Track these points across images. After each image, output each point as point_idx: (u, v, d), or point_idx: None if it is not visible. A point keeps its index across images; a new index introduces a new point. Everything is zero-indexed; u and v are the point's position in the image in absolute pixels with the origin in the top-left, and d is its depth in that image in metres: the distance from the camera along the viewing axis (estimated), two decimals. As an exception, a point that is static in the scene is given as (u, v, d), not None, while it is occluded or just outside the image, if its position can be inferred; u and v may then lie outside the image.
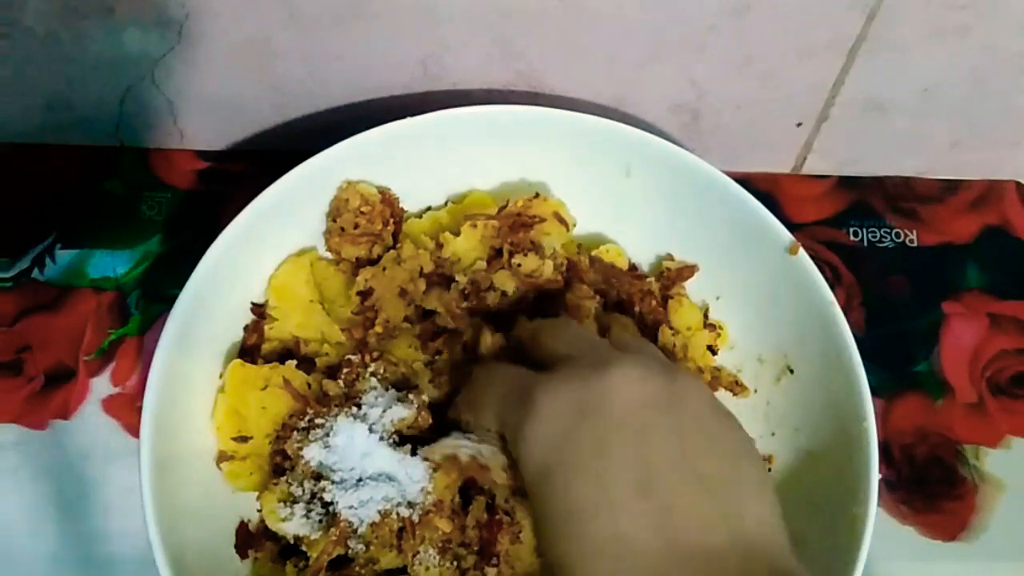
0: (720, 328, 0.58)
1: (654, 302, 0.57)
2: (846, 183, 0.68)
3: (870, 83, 0.60)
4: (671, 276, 0.58)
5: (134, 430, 0.46)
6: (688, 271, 0.58)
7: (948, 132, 0.64)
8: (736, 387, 0.56)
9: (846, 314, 0.51)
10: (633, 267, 0.59)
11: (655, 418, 0.40)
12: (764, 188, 0.66)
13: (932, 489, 0.59)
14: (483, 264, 0.54)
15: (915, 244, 0.66)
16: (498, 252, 0.55)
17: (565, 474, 0.40)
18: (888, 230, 0.66)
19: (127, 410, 0.58)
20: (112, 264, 0.62)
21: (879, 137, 0.64)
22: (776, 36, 0.57)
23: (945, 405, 0.61)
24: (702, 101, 0.62)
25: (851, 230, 0.66)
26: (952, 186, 0.68)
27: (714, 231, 0.56)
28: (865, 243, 0.66)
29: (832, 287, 0.52)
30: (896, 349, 0.63)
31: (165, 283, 0.61)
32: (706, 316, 0.58)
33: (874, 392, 0.50)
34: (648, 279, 0.57)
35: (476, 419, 0.47)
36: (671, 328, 0.57)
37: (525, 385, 0.43)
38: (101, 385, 0.59)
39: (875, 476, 0.48)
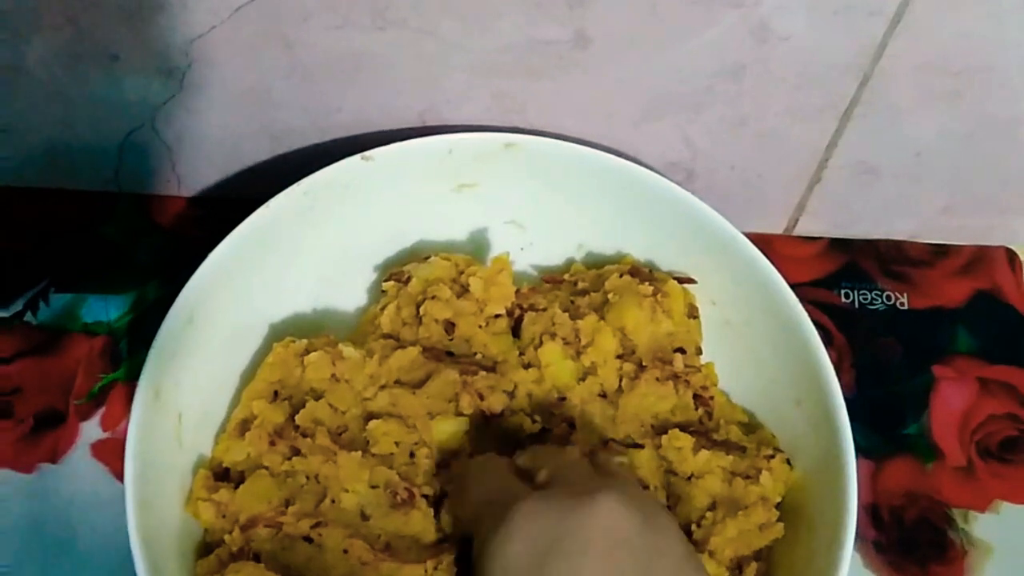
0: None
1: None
2: (838, 245, 0.68)
3: (863, 146, 0.61)
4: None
5: (123, 475, 0.46)
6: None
7: (940, 196, 0.65)
8: None
9: (837, 374, 0.52)
10: (649, 269, 0.59)
11: (628, 559, 0.40)
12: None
13: (921, 552, 0.59)
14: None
15: (906, 307, 0.66)
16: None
17: None
18: (879, 292, 0.67)
19: (116, 455, 0.57)
20: (105, 309, 0.62)
21: (871, 200, 0.65)
22: (771, 99, 0.57)
23: (935, 468, 0.61)
24: (697, 161, 0.62)
25: (842, 292, 0.67)
26: (943, 250, 0.69)
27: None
28: (856, 305, 0.66)
29: (822, 349, 0.53)
30: (886, 411, 0.62)
31: (157, 329, 0.61)
32: None
33: (864, 454, 0.50)
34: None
35: (458, 512, 0.49)
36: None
37: (508, 498, 0.43)
38: (91, 430, 0.59)
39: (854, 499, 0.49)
